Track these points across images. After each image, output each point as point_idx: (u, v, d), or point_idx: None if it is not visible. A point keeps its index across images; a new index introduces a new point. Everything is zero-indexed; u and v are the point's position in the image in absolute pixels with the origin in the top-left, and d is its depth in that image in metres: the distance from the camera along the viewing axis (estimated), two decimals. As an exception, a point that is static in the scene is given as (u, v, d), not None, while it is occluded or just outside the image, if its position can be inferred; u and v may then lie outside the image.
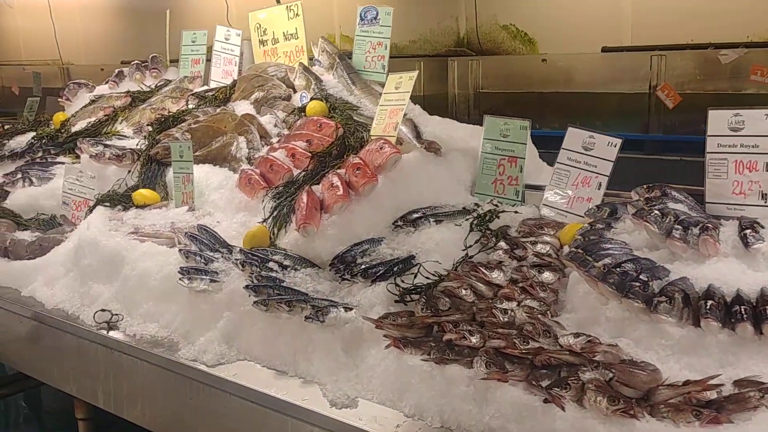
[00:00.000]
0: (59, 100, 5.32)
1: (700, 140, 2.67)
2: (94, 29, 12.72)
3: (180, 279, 2.92)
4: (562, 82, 8.04)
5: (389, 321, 2.48)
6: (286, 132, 3.87)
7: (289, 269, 2.91)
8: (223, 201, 3.61)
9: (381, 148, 3.14)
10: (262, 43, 4.57)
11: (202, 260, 3.04)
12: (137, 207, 3.90)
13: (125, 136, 4.65)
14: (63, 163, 4.60)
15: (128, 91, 5.17)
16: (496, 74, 8.56)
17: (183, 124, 4.26)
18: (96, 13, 12.75)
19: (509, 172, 3.21)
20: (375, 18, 4.06)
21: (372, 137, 3.43)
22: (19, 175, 4.36)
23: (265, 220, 3.25)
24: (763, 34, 6.86)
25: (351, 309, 2.61)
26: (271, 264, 2.92)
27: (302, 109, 3.94)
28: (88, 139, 4.34)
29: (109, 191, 4.06)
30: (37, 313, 3.35)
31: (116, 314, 3.10)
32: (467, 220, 3.07)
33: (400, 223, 3.06)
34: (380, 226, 3.08)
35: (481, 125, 3.37)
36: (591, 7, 8.30)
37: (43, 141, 4.94)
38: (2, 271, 3.67)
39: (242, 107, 4.25)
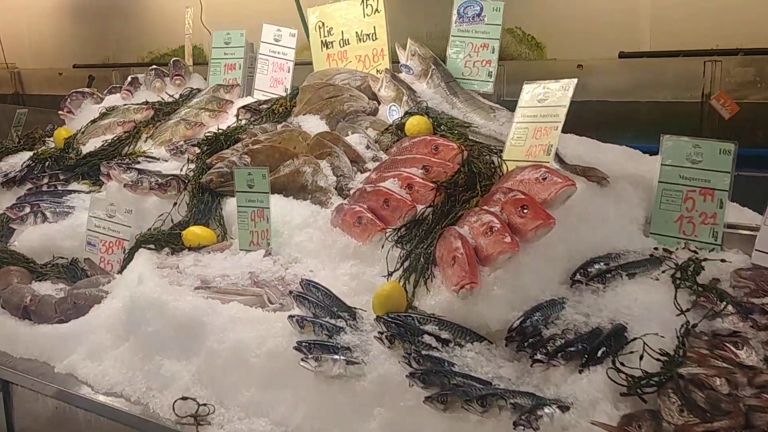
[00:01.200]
0: (60, 113, 4.50)
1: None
2: (42, 30, 11.62)
3: (303, 360, 2.20)
4: (600, 90, 7.50)
5: (635, 427, 1.83)
6: (382, 155, 3.16)
7: (450, 344, 2.22)
8: (314, 244, 2.90)
9: (545, 179, 2.48)
10: (326, 45, 3.86)
11: (324, 330, 2.32)
12: (190, 249, 3.15)
13: (153, 158, 3.88)
14: (77, 191, 3.80)
15: (148, 102, 4.38)
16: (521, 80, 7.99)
17: (238, 145, 3.53)
18: (43, 13, 11.69)
19: (702, 207, 2.59)
20: (478, 15, 3.41)
21: (505, 161, 2.78)
22: (28, 209, 3.54)
23: (390, 274, 2.55)
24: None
25: (568, 408, 1.94)
26: (425, 337, 2.22)
27: (399, 127, 3.24)
28: (118, 162, 3.54)
29: (150, 229, 3.30)
30: (84, 399, 2.57)
31: (204, 404, 2.36)
32: (664, 272, 2.43)
33: (580, 277, 2.40)
34: (553, 282, 2.42)
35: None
36: (604, 9, 7.79)
37: (46, 164, 4.12)
38: (26, 338, 2.88)
39: (311, 123, 3.54)
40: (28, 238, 3.45)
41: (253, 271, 2.86)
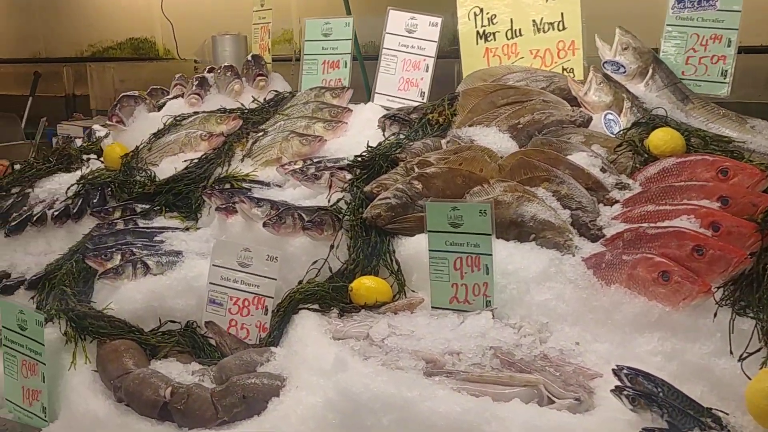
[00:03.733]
0: (108, 123, 3.64)
1: None
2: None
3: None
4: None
5: None
6: (625, 180, 2.49)
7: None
8: (569, 305, 2.23)
9: None
10: (485, 36, 3.16)
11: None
12: (364, 308, 2.43)
13: (262, 182, 3.11)
14: (169, 229, 2.98)
15: (228, 109, 3.58)
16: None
17: (399, 168, 2.79)
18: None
19: None
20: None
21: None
22: (119, 256, 2.71)
23: (745, 357, 1.88)
24: None
25: None
26: None
27: (631, 143, 2.58)
28: (245, 194, 2.77)
29: (303, 282, 2.54)
30: None
31: None
32: None
33: None
34: None
35: None
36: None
37: (107, 191, 3.29)
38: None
39: (488, 137, 2.84)
40: (128, 296, 2.62)
41: (496, 345, 2.15)
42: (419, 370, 2.07)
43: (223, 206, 2.78)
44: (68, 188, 3.38)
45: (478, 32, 3.18)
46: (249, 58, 3.83)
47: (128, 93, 3.74)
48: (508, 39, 3.11)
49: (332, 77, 3.64)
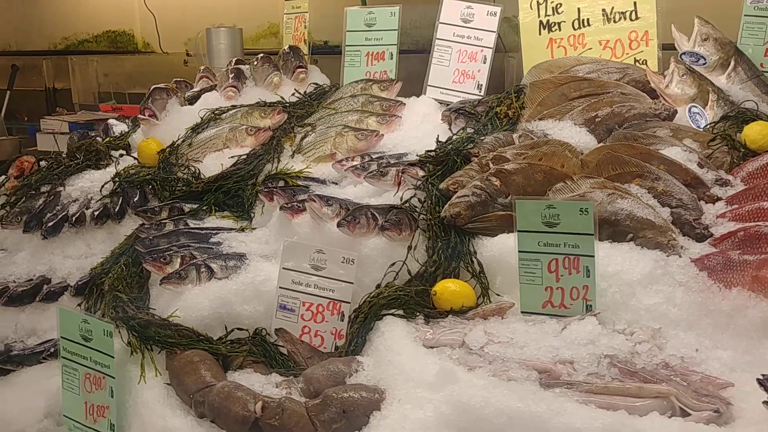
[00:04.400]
0: (141, 117, 3.44)
1: None
2: None
3: None
4: None
5: None
6: (724, 175, 2.39)
7: None
8: (682, 310, 2.14)
9: None
10: (548, 26, 3.04)
11: None
12: (450, 312, 2.31)
13: (317, 180, 2.96)
14: (223, 229, 2.81)
15: (267, 102, 3.41)
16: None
17: (472, 164, 2.66)
18: None
19: None
20: (792, -13, 2.68)
21: None
22: (178, 259, 2.54)
23: None
24: None
25: None
26: None
27: (726, 138, 2.48)
28: (315, 193, 2.61)
29: (381, 286, 2.41)
30: None
31: None
32: None
33: None
34: None
35: None
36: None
37: (148, 189, 3.11)
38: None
39: (564, 132, 2.72)
40: (194, 303, 2.45)
41: (609, 353, 2.03)
42: (533, 381, 1.95)
43: (288, 205, 2.62)
44: (102, 186, 3.19)
45: (541, 22, 3.06)
46: (286, 49, 3.66)
47: (159, 85, 3.55)
48: (574, 29, 2.99)
49: (377, 69, 3.50)
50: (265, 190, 2.81)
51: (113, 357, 2.17)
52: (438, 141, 2.78)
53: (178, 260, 2.55)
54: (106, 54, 8.78)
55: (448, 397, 1.91)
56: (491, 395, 1.85)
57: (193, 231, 2.76)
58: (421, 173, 2.65)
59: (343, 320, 2.41)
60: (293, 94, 3.53)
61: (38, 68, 9.05)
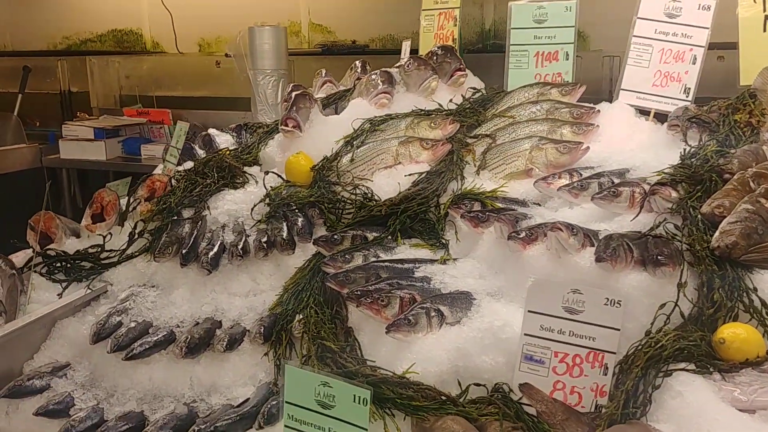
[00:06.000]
0: (284, 128, 3.03)
1: None
2: None
3: None
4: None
5: None
6: None
7: None
8: None
9: None
10: (778, 21, 2.66)
11: None
12: (745, 364, 1.93)
13: (515, 200, 2.58)
14: (424, 261, 2.42)
15: (426, 111, 3.03)
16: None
17: (731, 183, 2.28)
18: None
19: None
20: None
21: None
22: (396, 301, 2.15)
23: None
24: None
25: None
26: None
27: None
28: (560, 221, 2.24)
29: (652, 333, 2.02)
30: None
31: None
32: None
33: None
34: None
35: None
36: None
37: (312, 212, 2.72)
38: None
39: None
40: (429, 355, 2.05)
41: None
42: None
43: (521, 235, 2.23)
44: (252, 209, 2.80)
45: (767, 17, 2.68)
46: (438, 50, 3.26)
47: (300, 91, 3.15)
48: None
49: (549, 71, 3.13)
50: (471, 214, 2.42)
51: (366, 429, 1.79)
52: (684, 155, 2.40)
53: (397, 302, 2.16)
54: (117, 54, 8.38)
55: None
56: None
57: (392, 265, 2.36)
58: (673, 194, 2.26)
59: (606, 374, 2.03)
60: (451, 101, 3.14)
61: (50, 69, 8.63)
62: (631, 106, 2.90)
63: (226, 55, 7.78)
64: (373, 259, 2.43)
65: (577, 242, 2.18)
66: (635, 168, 2.54)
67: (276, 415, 2.06)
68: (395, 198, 2.62)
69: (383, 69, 3.25)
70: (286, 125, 3.04)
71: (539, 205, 2.59)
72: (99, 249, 2.72)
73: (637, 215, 2.32)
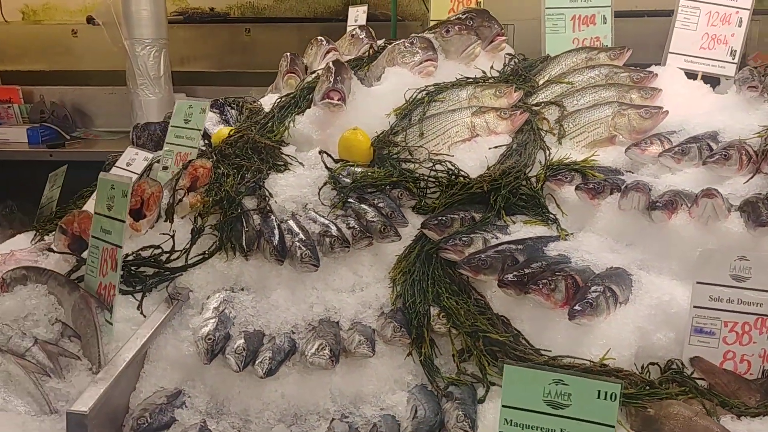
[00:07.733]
0: (331, 102, 2.75)
1: None
2: None
3: None
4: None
5: None
6: None
7: None
8: None
9: None
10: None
11: None
12: None
13: (608, 168, 2.54)
14: (551, 238, 2.32)
15: (488, 80, 2.90)
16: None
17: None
18: None
19: None
20: None
21: None
22: (561, 285, 2.03)
23: None
24: None
25: None
26: None
27: None
28: (712, 187, 2.19)
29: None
30: None
31: None
32: None
33: None
34: None
35: None
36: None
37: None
38: None
39: None
40: (620, 339, 1.97)
41: None
42: None
43: (661, 204, 2.18)
44: (319, 191, 2.53)
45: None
46: (473, 14, 3.11)
47: (338, 59, 2.88)
48: None
49: (586, 35, 3.09)
50: (588, 186, 2.34)
51: (614, 427, 1.67)
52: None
53: (563, 285, 2.04)
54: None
55: None
56: None
57: (525, 246, 2.23)
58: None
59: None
60: (492, 68, 3.02)
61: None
62: (681, 68, 2.93)
63: (89, 21, 7.04)
64: (495, 240, 2.29)
65: (727, 209, 2.17)
66: (721, 131, 2.57)
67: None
68: (494, 172, 2.46)
69: (418, 35, 3.04)
70: (331, 99, 2.77)
71: (631, 172, 2.56)
72: (161, 251, 2.34)
73: (752, 176, 2.35)
